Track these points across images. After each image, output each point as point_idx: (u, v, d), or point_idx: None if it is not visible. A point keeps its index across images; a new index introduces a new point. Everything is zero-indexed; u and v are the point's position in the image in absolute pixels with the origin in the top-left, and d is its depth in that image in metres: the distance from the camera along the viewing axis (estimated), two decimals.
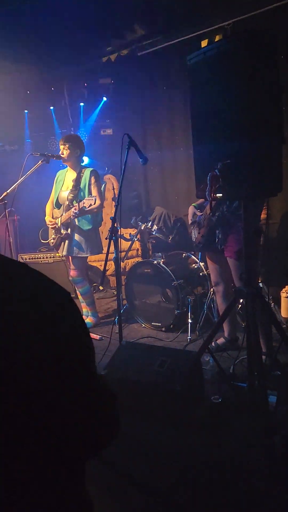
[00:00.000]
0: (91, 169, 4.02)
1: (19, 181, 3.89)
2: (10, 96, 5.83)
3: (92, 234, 4.03)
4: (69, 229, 4.00)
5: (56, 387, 0.71)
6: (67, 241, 4.02)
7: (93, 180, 3.95)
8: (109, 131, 6.20)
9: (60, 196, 4.07)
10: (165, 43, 5.09)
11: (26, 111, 6.28)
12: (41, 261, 5.12)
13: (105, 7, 4.30)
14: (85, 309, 4.43)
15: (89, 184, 3.94)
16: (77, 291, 4.39)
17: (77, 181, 3.98)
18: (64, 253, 4.07)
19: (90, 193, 3.91)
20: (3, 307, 0.70)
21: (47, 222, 4.14)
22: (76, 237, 3.99)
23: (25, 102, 6.22)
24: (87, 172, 3.97)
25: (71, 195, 3.96)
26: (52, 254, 5.11)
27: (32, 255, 5.19)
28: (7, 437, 0.68)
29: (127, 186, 5.05)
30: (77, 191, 3.95)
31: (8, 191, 3.89)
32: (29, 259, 5.16)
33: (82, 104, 6.15)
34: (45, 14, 4.29)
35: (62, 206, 4.06)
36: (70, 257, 4.12)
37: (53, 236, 4.14)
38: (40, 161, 3.97)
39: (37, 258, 5.15)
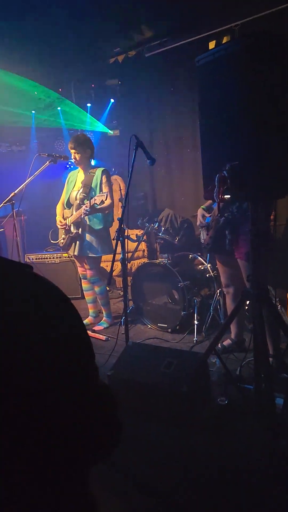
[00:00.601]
0: (102, 168, 4.01)
1: (27, 181, 3.91)
2: (17, 97, 5.86)
3: (103, 233, 4.02)
4: (80, 229, 4.00)
5: (56, 388, 0.72)
6: (78, 242, 4.03)
7: (104, 179, 3.94)
8: (116, 132, 6.21)
9: (71, 196, 4.08)
10: (172, 44, 5.09)
11: (33, 111, 6.30)
12: (48, 261, 5.14)
13: (112, 8, 4.31)
14: (91, 310, 4.44)
15: (101, 183, 3.93)
16: (85, 292, 4.41)
17: (88, 180, 3.99)
18: (76, 253, 4.06)
19: (101, 191, 3.91)
20: (2, 308, 0.70)
21: (57, 223, 4.15)
22: (87, 237, 3.99)
23: (33, 103, 6.25)
24: (98, 172, 3.97)
25: (82, 194, 3.96)
26: (59, 255, 5.12)
27: (39, 255, 5.21)
28: (7, 437, 0.68)
29: (134, 187, 5.07)
30: (88, 190, 3.95)
31: (15, 191, 3.92)
32: (36, 259, 5.18)
33: (89, 105, 6.16)
34: (52, 15, 4.31)
35: (73, 206, 4.07)
36: (83, 258, 4.11)
37: (63, 236, 4.14)
38: (47, 162, 4.00)
39: (44, 258, 5.17)
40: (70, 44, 5.02)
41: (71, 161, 4.08)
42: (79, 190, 4.00)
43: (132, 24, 4.84)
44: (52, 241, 4.43)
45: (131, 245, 5.13)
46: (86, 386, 0.78)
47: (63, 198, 4.18)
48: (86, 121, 6.27)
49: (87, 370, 0.79)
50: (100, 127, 6.24)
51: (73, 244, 4.07)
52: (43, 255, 5.20)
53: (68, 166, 5.51)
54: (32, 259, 5.19)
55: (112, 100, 6.07)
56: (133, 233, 5.23)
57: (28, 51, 4.96)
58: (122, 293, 4.27)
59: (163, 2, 4.33)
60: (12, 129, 6.12)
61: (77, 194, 4.00)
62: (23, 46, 4.83)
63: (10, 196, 3.89)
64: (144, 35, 5.04)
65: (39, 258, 5.18)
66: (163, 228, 4.49)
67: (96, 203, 3.67)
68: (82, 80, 6.16)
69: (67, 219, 4.07)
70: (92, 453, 0.83)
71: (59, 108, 6.29)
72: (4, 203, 3.90)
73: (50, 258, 5.16)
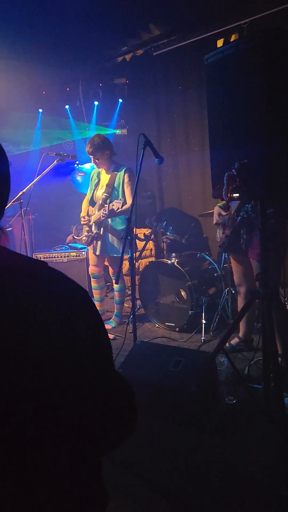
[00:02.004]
0: (125, 167, 4.00)
1: (35, 180, 3.92)
2: (25, 96, 5.88)
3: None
4: (101, 229, 4.02)
5: (76, 382, 0.75)
6: (100, 241, 4.05)
7: (126, 179, 3.93)
8: (123, 131, 6.20)
9: (96, 195, 4.10)
10: (180, 43, 5.07)
11: (40, 110, 6.33)
12: (56, 260, 5.15)
13: (120, 6, 4.30)
14: (99, 308, 4.46)
15: (123, 183, 3.94)
16: (94, 291, 4.42)
17: (112, 179, 3.98)
18: (98, 253, 4.11)
19: (123, 191, 3.91)
20: (27, 305, 0.73)
21: (81, 218, 4.17)
22: (110, 237, 4.02)
23: (40, 102, 6.27)
24: (122, 170, 3.97)
25: (105, 194, 3.97)
26: (67, 253, 5.13)
27: (47, 254, 5.23)
28: (33, 429, 0.73)
29: (141, 186, 5.05)
30: (111, 190, 3.96)
31: (24, 190, 3.93)
32: (44, 258, 5.19)
33: (96, 103, 6.15)
34: (59, 14, 4.31)
35: (96, 204, 4.08)
36: (104, 256, 4.15)
37: (86, 233, 4.16)
38: (55, 161, 4.00)
39: (52, 257, 5.18)
40: (77, 43, 5.02)
41: (78, 161, 4.08)
42: (102, 189, 4.01)
43: (139, 22, 4.82)
44: (75, 237, 4.43)
45: (139, 244, 5.13)
46: (105, 378, 0.82)
47: (88, 195, 4.20)
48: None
49: (105, 363, 0.83)
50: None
51: (95, 242, 4.09)
52: (51, 254, 5.21)
53: (76, 165, 5.51)
54: (40, 257, 5.21)
55: (120, 100, 6.06)
56: (141, 232, 5.23)
57: (36, 50, 4.97)
58: (130, 292, 4.27)
59: (171, 1, 4.32)
60: (21, 128, 6.14)
61: (100, 193, 4.01)
62: (31, 45, 4.84)
63: (18, 195, 3.90)
64: (152, 33, 5.02)
65: (47, 257, 5.20)
66: (170, 227, 4.48)
67: (114, 209, 3.67)
68: (90, 79, 6.16)
69: (91, 217, 4.08)
70: (109, 440, 0.88)
71: (67, 107, 6.28)
72: (13, 202, 3.92)
73: (58, 257, 5.17)
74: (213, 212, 3.53)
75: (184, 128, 5.56)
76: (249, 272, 3.29)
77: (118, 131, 6.30)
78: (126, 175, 3.92)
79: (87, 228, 4.15)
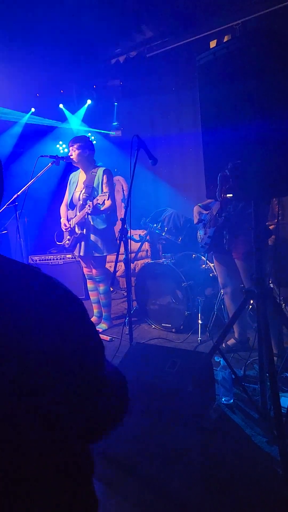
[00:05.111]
0: (104, 168, 4.01)
1: (29, 183, 3.91)
2: (18, 97, 5.86)
3: (107, 233, 4.02)
4: (84, 229, 4.01)
5: (73, 379, 0.80)
6: (83, 242, 4.04)
7: (105, 179, 3.94)
8: (118, 133, 6.21)
9: (74, 197, 4.09)
10: (174, 44, 5.08)
11: (32, 109, 6.31)
12: (52, 262, 5.14)
13: (113, 8, 4.31)
14: (96, 310, 4.45)
15: (102, 183, 3.94)
16: (90, 292, 4.41)
17: (90, 180, 3.99)
18: (82, 254, 4.07)
19: (102, 191, 3.92)
20: (20, 312, 0.75)
21: (62, 225, 4.16)
22: (92, 237, 4.00)
23: (33, 104, 6.25)
24: (99, 171, 3.98)
25: (85, 194, 3.97)
26: (62, 256, 5.13)
27: (43, 257, 5.22)
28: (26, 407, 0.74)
29: (136, 187, 5.05)
30: (90, 190, 3.96)
31: (18, 193, 3.92)
32: (39, 260, 5.19)
33: (89, 102, 6.14)
34: (53, 16, 4.31)
35: (76, 206, 4.07)
36: (89, 258, 4.12)
37: (68, 237, 4.15)
38: (49, 163, 3.99)
39: (47, 259, 5.18)
40: (71, 45, 5.02)
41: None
42: (81, 191, 4.01)
43: (132, 24, 4.83)
44: (57, 243, 4.44)
45: (134, 246, 5.14)
46: (98, 371, 0.87)
47: (66, 199, 4.19)
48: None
49: (98, 360, 0.88)
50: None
51: (78, 244, 4.08)
52: (47, 256, 5.20)
53: (73, 168, 5.50)
54: (36, 260, 5.20)
55: (116, 103, 6.07)
56: (136, 233, 5.23)
57: (29, 52, 4.96)
58: (125, 294, 4.27)
59: (163, 2, 4.33)
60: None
61: (79, 195, 4.01)
62: (24, 47, 4.84)
63: (12, 198, 3.89)
64: (145, 35, 5.03)
65: (42, 260, 5.19)
66: (166, 228, 4.48)
67: (99, 203, 3.67)
68: (84, 81, 6.17)
69: (71, 220, 4.07)
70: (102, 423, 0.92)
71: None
72: (7, 204, 3.90)
73: (53, 259, 5.17)
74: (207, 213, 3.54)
75: (178, 129, 5.58)
76: (234, 272, 3.30)
77: (113, 133, 6.31)
78: (105, 176, 3.94)
79: (68, 233, 4.14)
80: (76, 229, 4.03)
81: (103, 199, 3.64)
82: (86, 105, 6.20)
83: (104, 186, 3.92)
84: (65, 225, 4.10)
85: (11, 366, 0.71)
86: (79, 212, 3.97)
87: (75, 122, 6.29)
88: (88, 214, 3.83)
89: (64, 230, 4.14)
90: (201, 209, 3.54)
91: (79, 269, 4.99)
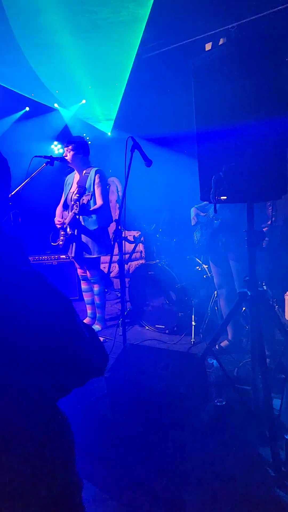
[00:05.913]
0: (96, 168, 4.02)
1: (24, 183, 3.90)
2: (12, 97, 5.86)
3: (99, 234, 4.01)
4: (75, 230, 4.00)
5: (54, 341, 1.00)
6: (74, 243, 4.03)
7: (97, 180, 3.94)
8: (112, 134, 6.21)
9: (68, 198, 4.09)
10: (169, 46, 5.09)
11: (27, 108, 6.30)
12: (46, 263, 5.13)
13: None
14: (89, 311, 4.44)
15: (94, 184, 3.94)
16: (84, 293, 4.40)
17: (83, 181, 3.99)
18: (72, 255, 4.07)
19: (94, 192, 3.91)
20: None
21: (55, 221, 4.15)
22: (83, 238, 3.99)
23: (29, 104, 6.25)
24: (92, 172, 3.98)
25: (77, 195, 3.97)
26: (56, 256, 5.12)
27: (37, 257, 5.21)
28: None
29: (131, 188, 5.05)
30: (82, 190, 3.96)
31: (12, 193, 3.90)
32: (34, 260, 5.17)
33: (83, 101, 6.14)
34: (46, 22, 4.31)
35: (69, 207, 4.07)
36: (81, 258, 4.12)
37: (61, 237, 4.14)
38: (44, 164, 3.98)
39: (41, 260, 5.17)
40: None
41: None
42: (74, 191, 4.01)
43: None
44: (52, 243, 4.43)
45: (128, 247, 5.14)
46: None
47: (62, 200, 4.19)
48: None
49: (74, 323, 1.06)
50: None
51: (71, 245, 4.07)
52: (41, 257, 5.19)
53: (68, 169, 5.50)
54: (30, 260, 5.18)
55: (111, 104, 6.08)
56: (130, 234, 5.24)
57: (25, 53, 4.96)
58: (119, 295, 4.26)
59: (159, 4, 4.34)
60: None
61: (72, 195, 4.01)
62: (19, 47, 4.83)
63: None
64: None
65: (36, 260, 5.18)
66: (160, 229, 4.49)
67: (84, 203, 3.69)
68: (80, 82, 6.16)
69: (65, 219, 4.07)
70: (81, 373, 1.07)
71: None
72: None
73: (47, 260, 5.16)
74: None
75: (173, 131, 5.59)
76: (229, 274, 3.31)
77: (109, 134, 6.32)
78: (96, 176, 3.94)
79: (62, 232, 4.13)
80: (68, 230, 4.03)
81: (87, 199, 3.66)
82: (79, 104, 6.21)
83: (95, 186, 3.93)
84: (59, 221, 4.10)
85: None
86: (70, 213, 3.98)
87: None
88: (75, 214, 3.83)
89: (57, 226, 4.14)
90: (198, 211, 3.55)
91: (73, 270, 4.99)
